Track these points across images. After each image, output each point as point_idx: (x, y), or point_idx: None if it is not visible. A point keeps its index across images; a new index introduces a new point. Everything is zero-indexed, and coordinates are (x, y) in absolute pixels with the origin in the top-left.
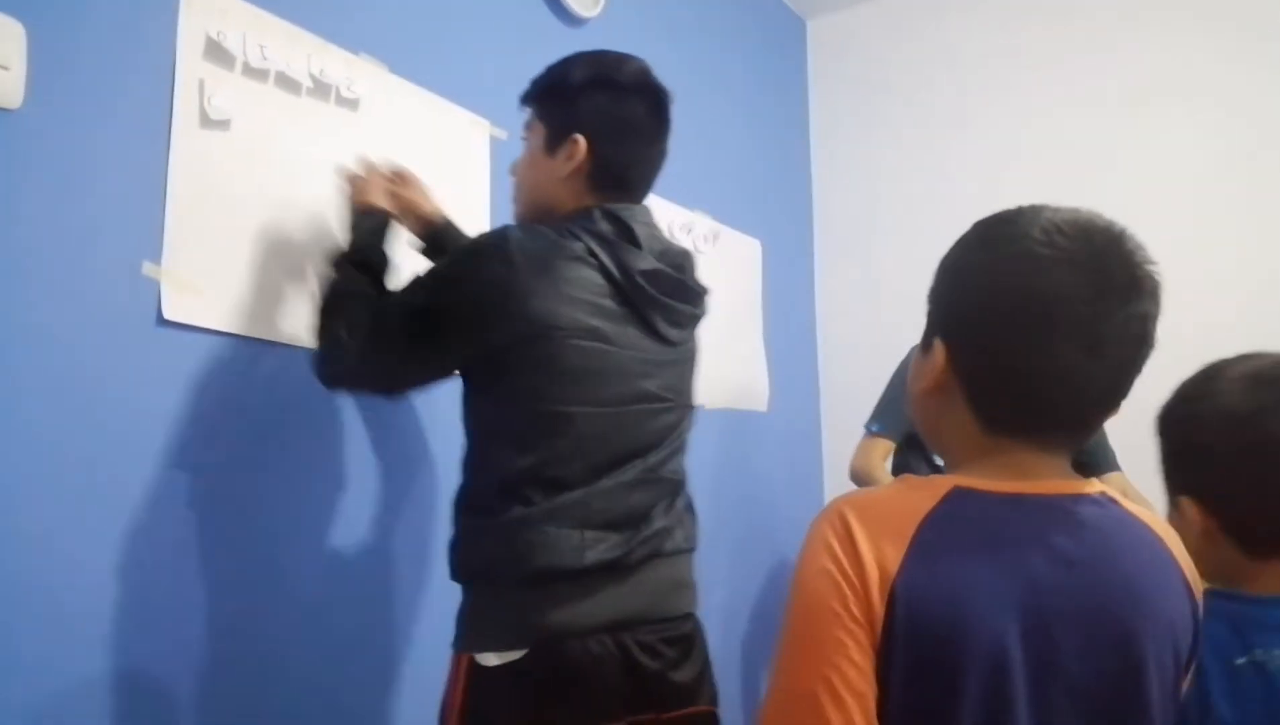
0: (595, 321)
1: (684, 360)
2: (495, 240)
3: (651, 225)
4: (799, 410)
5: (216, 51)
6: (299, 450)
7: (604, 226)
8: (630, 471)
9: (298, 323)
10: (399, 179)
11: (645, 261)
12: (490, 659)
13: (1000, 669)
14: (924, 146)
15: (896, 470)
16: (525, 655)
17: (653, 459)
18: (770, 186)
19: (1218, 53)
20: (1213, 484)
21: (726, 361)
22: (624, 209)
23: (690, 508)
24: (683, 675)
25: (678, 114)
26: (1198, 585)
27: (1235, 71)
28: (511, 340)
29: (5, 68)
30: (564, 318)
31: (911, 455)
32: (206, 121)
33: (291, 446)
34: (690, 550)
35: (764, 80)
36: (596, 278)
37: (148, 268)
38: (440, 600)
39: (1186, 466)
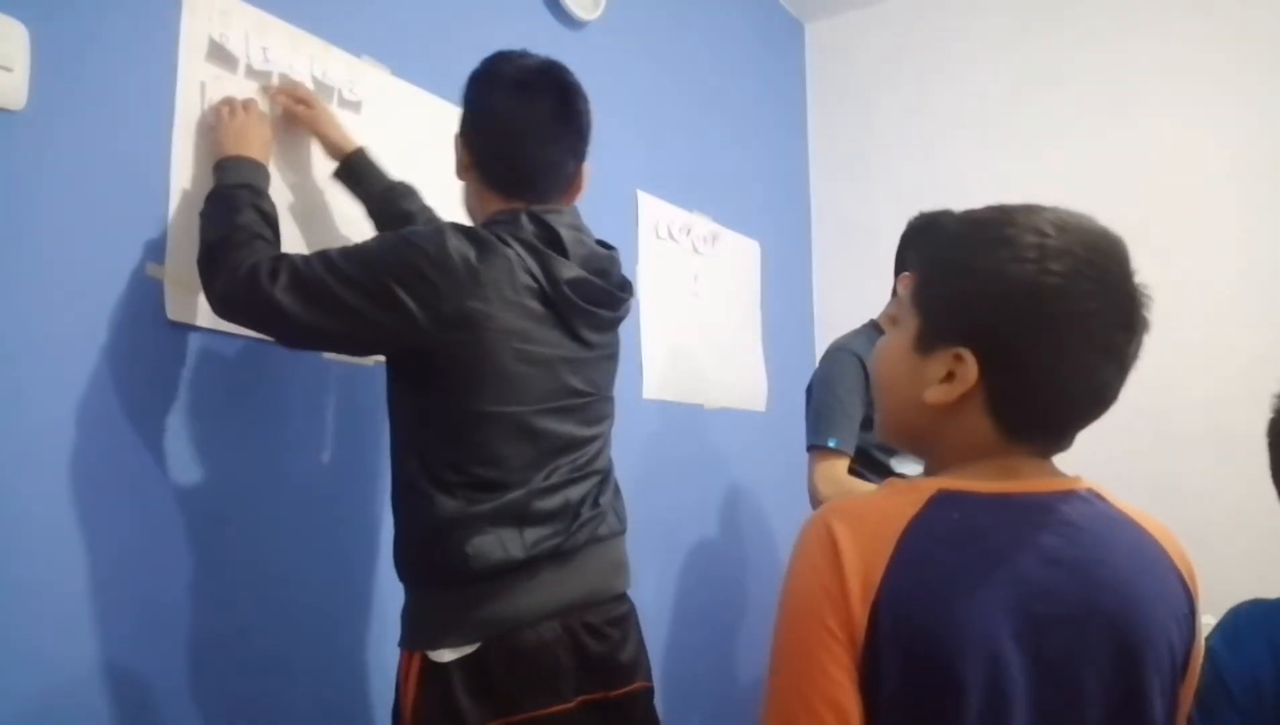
0: (524, 323)
1: (604, 357)
2: (433, 238)
3: (579, 228)
4: (797, 410)
5: (219, 53)
6: (303, 449)
7: (529, 231)
8: (564, 467)
9: None
10: (304, 101)
11: (571, 270)
12: (444, 655)
13: (997, 674)
14: (921, 149)
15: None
16: (479, 648)
17: (583, 453)
18: (769, 188)
19: (1219, 49)
20: None
21: (725, 362)
22: (549, 212)
23: (617, 490)
24: (625, 654)
25: (677, 116)
26: (1194, 582)
27: (1240, 68)
28: (441, 336)
29: (8, 69)
30: (496, 318)
31: (867, 469)
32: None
33: (295, 446)
34: (622, 532)
35: (762, 83)
36: (526, 281)
37: (151, 268)
38: None
39: None
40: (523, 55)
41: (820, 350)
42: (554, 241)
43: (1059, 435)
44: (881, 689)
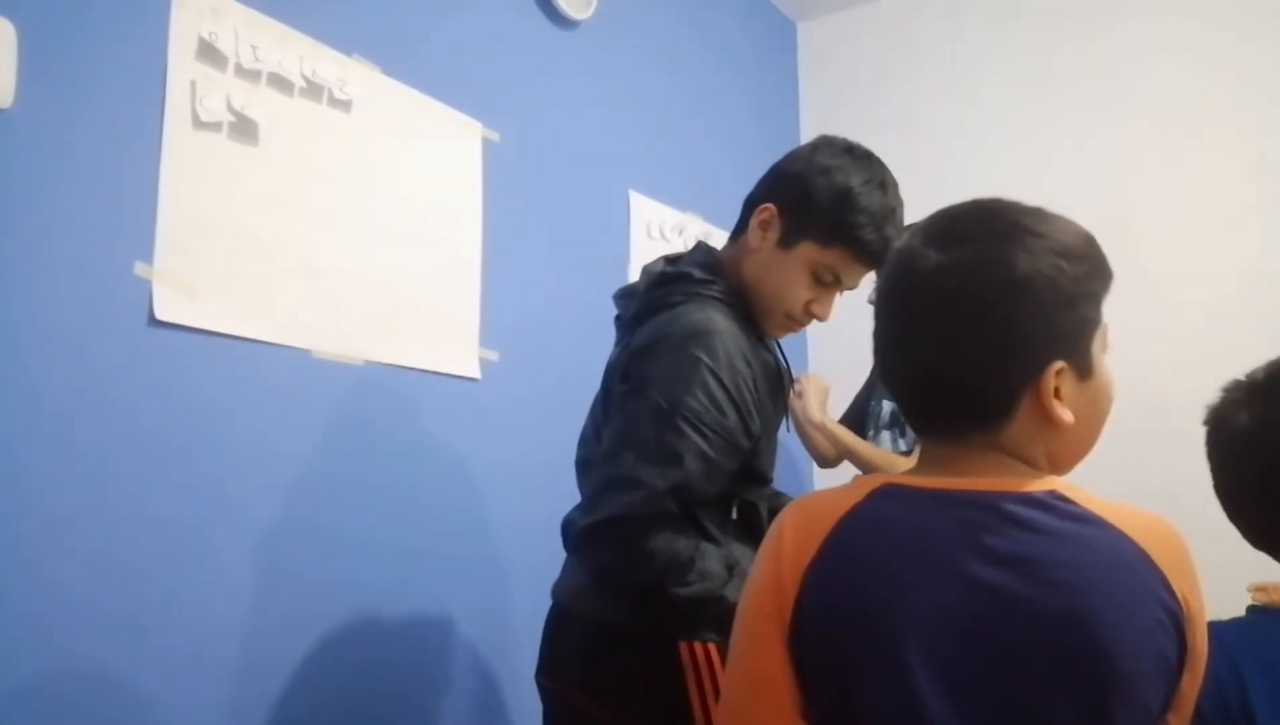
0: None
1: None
2: None
3: (668, 258)
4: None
5: (209, 52)
6: (290, 450)
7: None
8: None
9: (289, 323)
10: None
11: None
12: None
13: (901, 667)
14: (914, 148)
15: None
16: None
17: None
18: None
19: (1207, 46)
20: None
21: None
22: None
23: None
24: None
25: (669, 116)
26: (1187, 587)
27: (1229, 64)
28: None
29: None
30: None
31: None
32: (198, 122)
33: (283, 447)
34: None
35: (754, 82)
36: None
37: (140, 268)
38: (431, 597)
39: None
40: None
41: (813, 349)
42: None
43: (927, 420)
44: (807, 669)
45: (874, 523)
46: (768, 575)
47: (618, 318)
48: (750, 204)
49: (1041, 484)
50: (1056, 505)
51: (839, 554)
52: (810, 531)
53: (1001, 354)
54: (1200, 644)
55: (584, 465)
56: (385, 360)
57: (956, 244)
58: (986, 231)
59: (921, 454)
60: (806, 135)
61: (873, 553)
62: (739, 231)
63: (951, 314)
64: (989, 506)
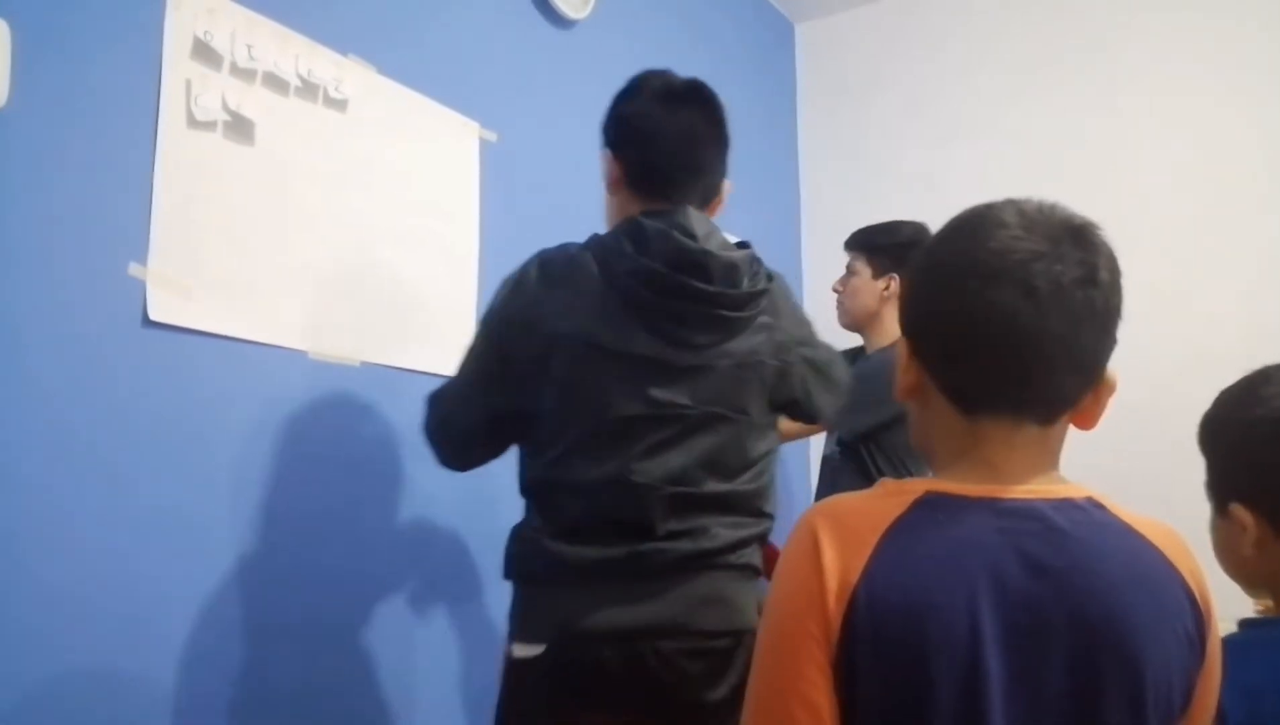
0: (595, 329)
1: (708, 368)
2: (515, 278)
3: (677, 226)
4: None
5: (204, 51)
6: (284, 451)
7: (618, 232)
8: (644, 479)
9: (285, 324)
10: None
11: (632, 262)
12: (518, 650)
13: (972, 682)
14: (912, 150)
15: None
16: (545, 650)
17: (666, 465)
18: (758, 189)
19: (1208, 46)
20: (1268, 489)
21: None
22: (652, 212)
23: (712, 526)
24: (705, 693)
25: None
26: (1203, 590)
27: (1224, 64)
28: (527, 356)
29: None
30: (561, 335)
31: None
32: (193, 121)
33: (277, 448)
34: (724, 567)
35: (752, 83)
36: (594, 286)
37: (134, 268)
38: (421, 596)
39: (1239, 473)
40: (655, 72)
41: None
42: (636, 235)
43: (1012, 395)
44: (857, 690)
45: (924, 534)
46: (808, 592)
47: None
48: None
49: (1079, 490)
50: (1094, 513)
51: (894, 567)
52: (853, 544)
53: (1099, 354)
54: (1216, 645)
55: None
56: (381, 361)
57: (1071, 241)
58: (1084, 238)
59: (961, 453)
60: (805, 135)
61: (929, 565)
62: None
63: (1078, 310)
64: (1036, 516)
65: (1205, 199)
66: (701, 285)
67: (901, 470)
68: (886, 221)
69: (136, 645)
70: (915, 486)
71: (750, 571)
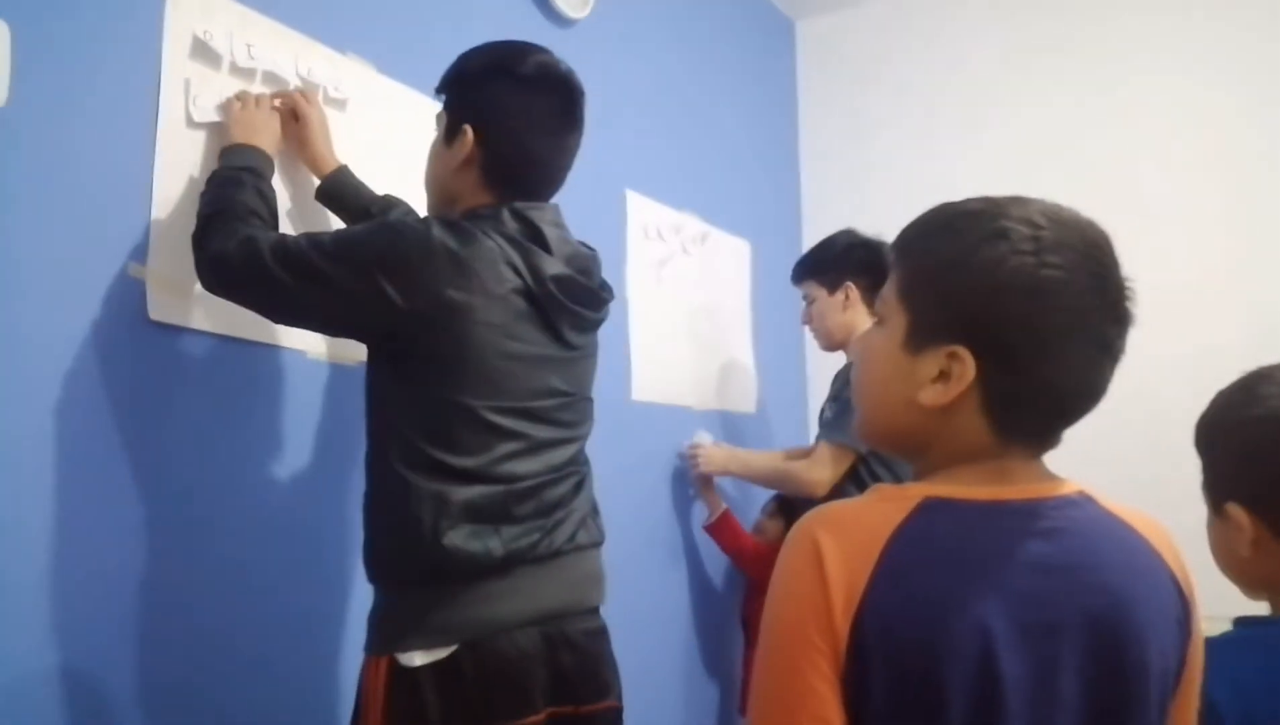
0: (506, 318)
1: (584, 358)
2: (418, 227)
3: (560, 226)
4: (786, 411)
5: (203, 50)
6: (286, 451)
7: (511, 227)
8: (543, 467)
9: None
10: (295, 117)
11: (555, 266)
12: (415, 658)
13: (985, 687)
14: (912, 147)
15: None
16: (453, 653)
17: (561, 453)
18: (759, 188)
19: (1208, 46)
20: (1266, 489)
21: (714, 362)
22: (532, 208)
23: (595, 503)
24: (600, 670)
25: (666, 115)
26: (1186, 580)
27: (1222, 56)
28: (419, 323)
29: None
30: (478, 311)
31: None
32: (192, 121)
33: (279, 447)
34: (601, 543)
35: (753, 81)
36: (509, 276)
37: (133, 268)
38: None
39: (1236, 473)
40: (527, 48)
41: (809, 351)
42: (537, 237)
43: (1053, 433)
44: (867, 702)
45: (929, 540)
46: (813, 606)
47: None
48: None
49: (1070, 486)
50: (1088, 508)
51: (900, 576)
52: (856, 552)
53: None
54: (1199, 624)
55: None
56: None
57: (1095, 254)
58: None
59: (966, 458)
60: (805, 134)
61: (936, 572)
62: None
63: (1119, 327)
64: (1037, 515)
65: (1206, 198)
66: (590, 285)
67: (895, 474)
68: (818, 243)
69: (137, 645)
70: (913, 491)
71: None
